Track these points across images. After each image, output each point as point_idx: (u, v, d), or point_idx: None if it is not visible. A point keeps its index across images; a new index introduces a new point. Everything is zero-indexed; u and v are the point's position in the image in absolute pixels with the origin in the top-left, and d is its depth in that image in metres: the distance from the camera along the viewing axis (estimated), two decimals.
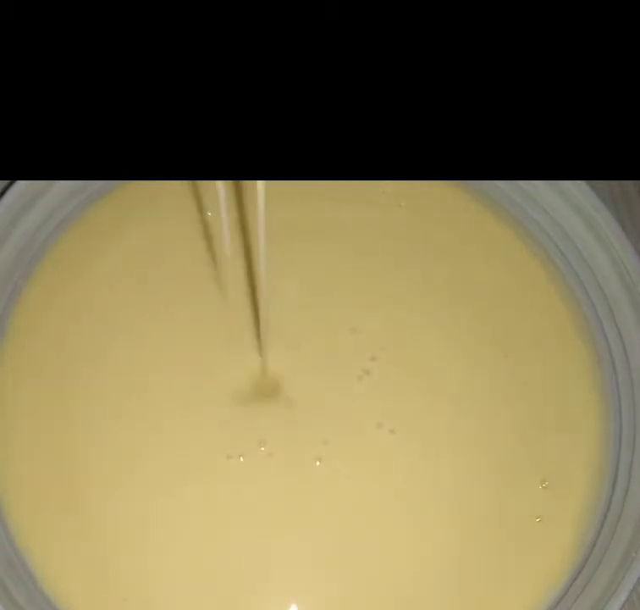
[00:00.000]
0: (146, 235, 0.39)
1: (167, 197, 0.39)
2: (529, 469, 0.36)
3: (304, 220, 0.39)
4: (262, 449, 0.35)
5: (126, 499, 0.34)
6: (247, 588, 0.34)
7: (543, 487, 0.35)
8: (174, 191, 0.39)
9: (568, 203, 0.38)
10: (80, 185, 0.39)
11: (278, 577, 0.34)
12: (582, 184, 0.38)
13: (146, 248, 0.39)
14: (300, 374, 0.36)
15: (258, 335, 0.37)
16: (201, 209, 0.39)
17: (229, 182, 0.38)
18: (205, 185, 0.39)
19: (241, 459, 0.35)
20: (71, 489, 0.34)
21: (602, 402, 0.37)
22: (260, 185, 0.28)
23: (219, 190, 0.29)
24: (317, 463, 0.35)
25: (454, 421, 0.36)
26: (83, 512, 0.34)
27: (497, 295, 0.39)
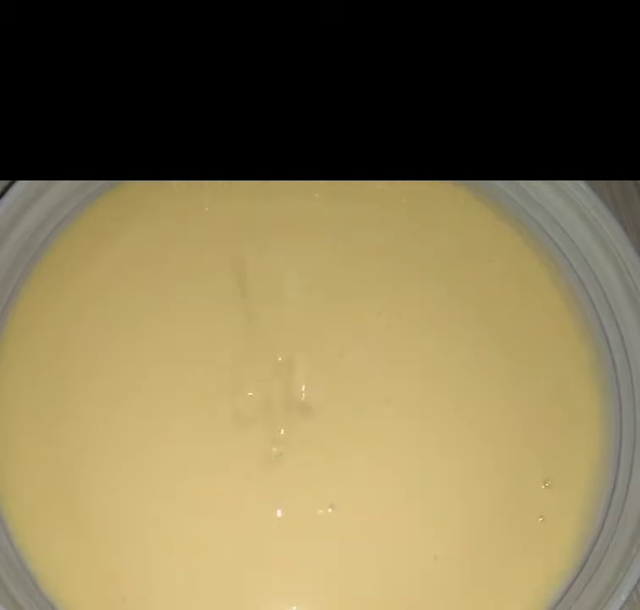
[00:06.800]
0: (146, 235, 0.39)
1: (166, 196, 0.39)
2: (531, 469, 0.36)
3: (303, 218, 0.39)
4: (263, 448, 0.35)
5: (126, 499, 0.34)
6: (247, 588, 0.34)
7: (546, 487, 0.35)
8: (174, 190, 0.39)
9: (568, 203, 0.38)
10: (79, 185, 0.39)
11: (278, 577, 0.34)
12: (581, 184, 0.38)
13: (146, 247, 0.39)
14: (302, 374, 0.36)
15: (258, 334, 0.37)
16: (200, 208, 0.39)
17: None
18: (205, 183, 0.39)
19: (242, 460, 0.35)
20: (71, 489, 0.34)
21: (602, 401, 0.37)
22: None
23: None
24: (320, 465, 0.35)
25: (455, 421, 0.36)
26: (83, 512, 0.34)
27: (498, 294, 0.39)
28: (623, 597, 0.31)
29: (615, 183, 0.43)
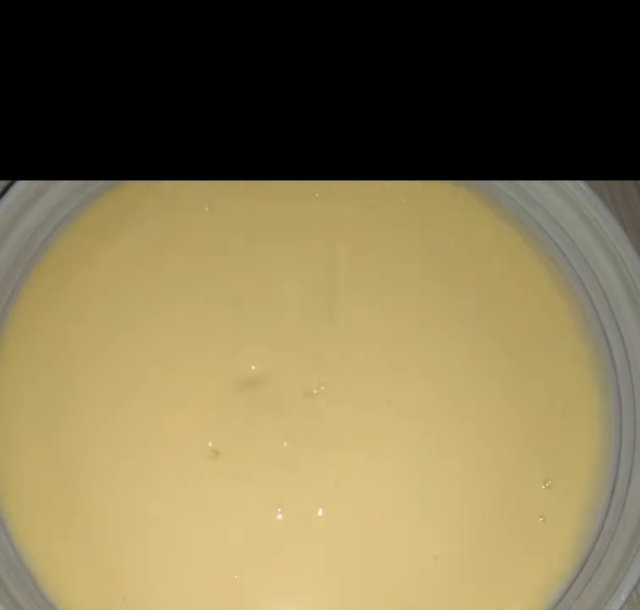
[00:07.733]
0: (146, 235, 0.39)
1: (167, 196, 0.39)
2: (531, 469, 0.36)
3: (303, 218, 0.39)
4: (264, 449, 0.35)
5: (125, 499, 0.34)
6: (247, 588, 0.33)
7: (546, 487, 0.35)
8: (174, 190, 0.39)
9: (568, 203, 0.38)
10: (79, 185, 0.39)
11: (278, 577, 0.34)
12: (581, 184, 0.38)
13: (146, 247, 0.38)
14: (302, 374, 0.36)
15: (259, 335, 0.37)
16: (200, 207, 0.39)
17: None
18: (205, 183, 0.39)
19: (243, 460, 0.35)
20: (71, 489, 0.34)
21: (603, 401, 0.37)
22: None
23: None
24: (320, 465, 0.35)
25: (455, 421, 0.36)
26: (83, 512, 0.34)
27: (498, 294, 0.39)
28: (623, 597, 0.31)
29: (615, 183, 0.43)
